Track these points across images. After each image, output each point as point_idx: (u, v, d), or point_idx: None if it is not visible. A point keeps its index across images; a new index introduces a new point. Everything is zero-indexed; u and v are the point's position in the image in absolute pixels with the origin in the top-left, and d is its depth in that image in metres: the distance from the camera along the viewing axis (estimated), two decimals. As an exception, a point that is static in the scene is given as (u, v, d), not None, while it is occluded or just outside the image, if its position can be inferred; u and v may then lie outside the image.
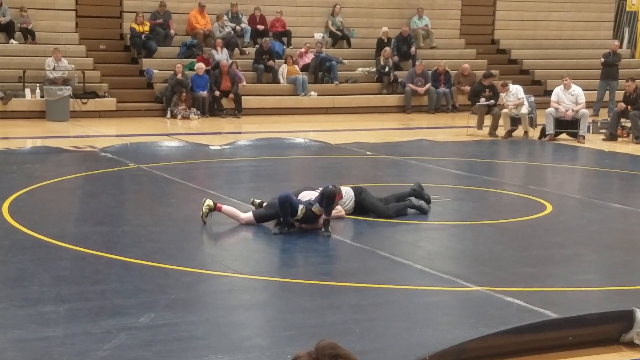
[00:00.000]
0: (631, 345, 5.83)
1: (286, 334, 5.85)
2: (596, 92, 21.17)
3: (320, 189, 8.90)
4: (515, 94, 17.21)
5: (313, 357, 2.46)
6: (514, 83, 18.05)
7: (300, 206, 8.71)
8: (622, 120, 17.11)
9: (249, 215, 9.03)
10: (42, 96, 18.40)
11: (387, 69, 21.76)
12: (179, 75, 19.15)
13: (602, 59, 21.33)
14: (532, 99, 17.62)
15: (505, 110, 17.13)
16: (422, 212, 9.74)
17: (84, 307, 6.24)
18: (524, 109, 17.08)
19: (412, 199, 9.85)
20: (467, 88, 19.91)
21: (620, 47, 25.62)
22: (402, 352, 5.43)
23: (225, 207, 9.08)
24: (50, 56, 18.95)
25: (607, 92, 21.16)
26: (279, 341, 5.75)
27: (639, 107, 16.85)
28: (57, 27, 20.58)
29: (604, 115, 20.06)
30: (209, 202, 8.96)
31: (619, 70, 21.86)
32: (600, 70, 21.56)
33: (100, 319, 5.96)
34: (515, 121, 17.18)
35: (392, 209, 9.58)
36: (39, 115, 18.25)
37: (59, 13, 20.71)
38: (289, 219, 8.68)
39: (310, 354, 2.47)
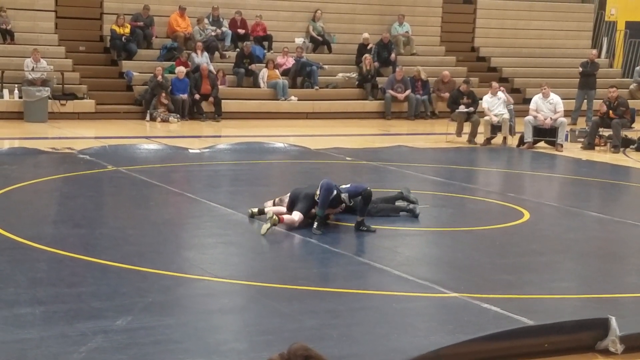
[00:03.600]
0: (606, 353, 5.87)
1: (263, 339, 5.84)
2: (574, 100, 21.30)
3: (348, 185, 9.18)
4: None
5: (285, 359, 2.46)
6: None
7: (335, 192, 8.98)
8: (600, 129, 17.23)
9: (300, 216, 9.01)
10: (20, 97, 18.28)
11: (369, 76, 21.80)
12: (159, 77, 19.10)
13: (580, 68, 21.48)
14: (512, 106, 17.70)
15: (486, 118, 17.16)
16: (414, 215, 9.80)
17: (60, 310, 6.20)
18: (510, 116, 17.14)
19: (401, 202, 9.93)
20: (447, 95, 19.98)
21: (599, 56, 25.84)
22: (379, 357, 5.44)
23: (285, 217, 8.99)
24: (29, 57, 18.84)
25: (585, 101, 21.29)
26: (256, 345, 5.74)
27: (621, 115, 16.98)
28: (37, 28, 20.47)
29: (582, 124, 20.20)
30: (275, 217, 8.78)
31: (598, 79, 22.02)
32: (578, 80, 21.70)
33: (77, 321, 5.92)
34: (494, 128, 17.26)
35: (379, 209, 9.64)
36: (17, 116, 18.13)
37: (38, 14, 20.59)
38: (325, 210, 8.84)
39: (282, 356, 2.48)
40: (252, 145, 15.54)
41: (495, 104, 17.27)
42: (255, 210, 9.43)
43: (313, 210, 9.10)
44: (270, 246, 8.72)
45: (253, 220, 9.33)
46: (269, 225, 8.72)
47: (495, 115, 17.09)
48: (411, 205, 9.94)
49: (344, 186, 9.22)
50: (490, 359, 5.64)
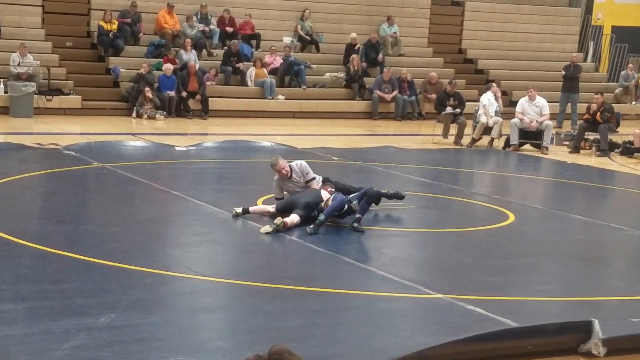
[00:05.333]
0: (589, 355, 5.89)
1: (247, 337, 5.84)
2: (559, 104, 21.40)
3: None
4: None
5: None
6: (480, 93, 18.18)
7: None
8: (586, 133, 17.31)
9: (299, 219, 9.02)
10: (6, 92, 18.20)
11: (357, 76, 21.82)
12: (143, 71, 19.00)
13: (563, 72, 21.58)
14: (498, 108, 17.76)
15: (483, 120, 17.10)
16: (399, 198, 10.09)
17: (44, 306, 6.17)
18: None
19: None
20: (434, 96, 20.03)
21: (585, 60, 25.98)
22: (363, 357, 5.45)
23: (288, 221, 8.96)
24: (16, 51, 18.75)
25: (569, 104, 21.38)
26: (240, 344, 5.73)
27: (607, 120, 17.07)
28: (23, 23, 20.37)
29: (567, 127, 20.29)
30: (280, 221, 8.82)
31: (583, 83, 22.12)
32: (562, 83, 21.81)
33: (60, 318, 5.90)
34: (485, 130, 17.27)
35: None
36: (3, 111, 18.05)
37: (25, 8, 20.49)
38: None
39: (260, 357, 2.46)
40: (239, 143, 15.52)
41: (493, 104, 17.32)
42: (239, 210, 9.41)
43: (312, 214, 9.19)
44: (256, 245, 8.71)
45: (237, 219, 9.32)
46: (271, 229, 8.73)
47: (491, 117, 17.13)
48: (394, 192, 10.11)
49: (352, 196, 9.31)
50: (474, 360, 5.65)
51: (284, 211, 9.27)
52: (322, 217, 8.92)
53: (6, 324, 5.75)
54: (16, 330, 5.66)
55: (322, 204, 9.24)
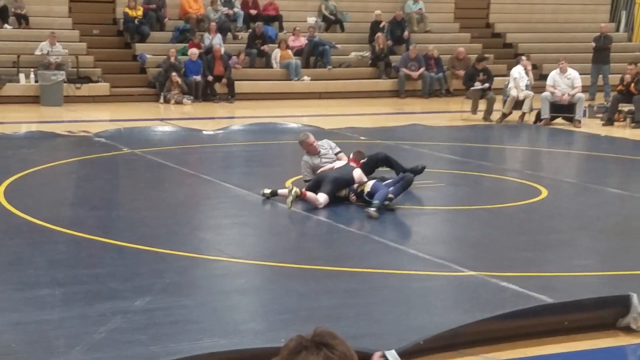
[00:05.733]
0: (627, 330, 5.83)
1: (280, 318, 5.85)
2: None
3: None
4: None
5: (303, 341, 2.44)
6: (509, 67, 18.00)
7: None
8: (620, 104, 17.06)
9: (326, 198, 9.06)
10: (36, 81, 18.32)
11: (382, 54, 21.71)
12: (172, 59, 19.06)
13: (594, 43, 21.30)
14: (529, 82, 17.58)
15: (513, 93, 16.97)
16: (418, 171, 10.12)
17: (79, 291, 6.23)
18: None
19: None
20: (462, 72, 19.88)
21: (617, 30, 25.60)
22: (397, 336, 5.42)
23: (308, 194, 9.07)
24: (44, 41, 18.84)
25: (601, 76, 21.12)
26: (273, 325, 5.74)
27: None
28: (51, 12, 20.46)
29: (599, 99, 20.04)
30: (296, 190, 8.91)
31: (616, 53, 21.80)
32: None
33: (96, 302, 5.94)
34: (516, 104, 17.12)
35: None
36: (33, 100, 18.16)
37: (52, -3, 20.60)
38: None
39: (302, 338, 2.44)
40: (266, 125, 15.51)
41: (524, 78, 17.18)
42: (268, 191, 9.39)
43: (343, 193, 9.18)
44: (286, 226, 8.71)
45: (267, 201, 9.31)
46: (291, 198, 8.74)
47: (522, 91, 16.98)
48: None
49: (384, 182, 9.32)
50: (509, 337, 5.61)
51: (313, 190, 9.24)
52: (375, 202, 8.80)
53: (43, 309, 5.81)
54: (53, 315, 5.72)
55: (356, 186, 9.19)
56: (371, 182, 9.22)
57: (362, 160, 9.86)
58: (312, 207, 8.99)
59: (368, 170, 9.93)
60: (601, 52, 21.12)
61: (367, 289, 6.52)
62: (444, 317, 5.86)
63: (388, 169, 10.32)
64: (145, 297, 6.04)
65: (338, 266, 7.10)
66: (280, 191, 9.39)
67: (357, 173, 9.40)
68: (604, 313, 5.88)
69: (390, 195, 8.96)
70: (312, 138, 9.86)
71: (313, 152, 9.79)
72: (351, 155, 9.87)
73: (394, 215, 8.94)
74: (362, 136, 14.53)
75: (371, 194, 9.00)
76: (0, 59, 18.69)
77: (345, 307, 6.02)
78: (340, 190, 9.24)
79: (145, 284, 6.38)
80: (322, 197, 9.05)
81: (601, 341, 5.73)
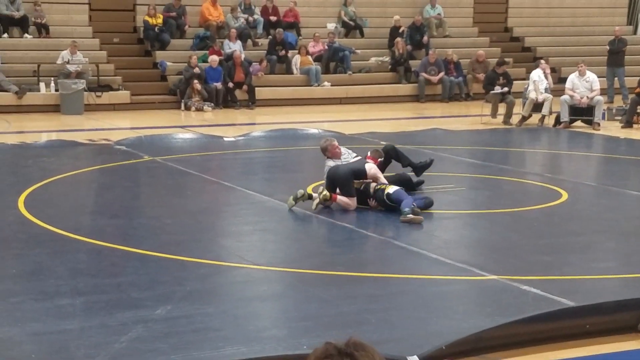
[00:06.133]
0: (649, 332, 5.80)
1: (302, 325, 5.85)
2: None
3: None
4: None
5: (329, 348, 2.45)
6: (527, 71, 17.95)
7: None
8: (639, 107, 16.97)
9: (354, 200, 9.15)
10: (56, 90, 18.45)
11: (402, 59, 21.71)
12: (196, 69, 19.14)
13: (608, 47, 21.28)
14: (548, 85, 17.51)
15: (532, 96, 16.94)
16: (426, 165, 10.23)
17: (100, 300, 6.25)
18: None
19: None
20: (482, 75, 19.83)
21: (635, 33, 25.49)
22: (419, 341, 5.42)
23: (339, 197, 9.13)
24: (64, 50, 18.99)
25: (616, 78, 21.06)
26: (295, 332, 5.75)
27: None
28: (71, 21, 20.62)
29: (618, 102, 19.95)
30: (326, 193, 8.98)
31: (634, 56, 21.69)
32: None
33: (117, 311, 5.97)
34: (534, 107, 17.06)
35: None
36: (54, 109, 18.29)
37: (72, 7, 20.74)
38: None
39: (332, 345, 2.46)
40: (287, 132, 15.54)
41: (543, 81, 17.14)
42: (302, 194, 9.23)
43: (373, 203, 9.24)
44: (307, 233, 8.73)
45: (288, 207, 9.29)
46: (317, 200, 8.80)
47: (541, 93, 16.93)
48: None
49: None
50: (531, 341, 5.59)
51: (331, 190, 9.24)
52: (406, 209, 8.76)
53: (64, 319, 5.84)
54: (74, 325, 5.74)
55: (375, 185, 9.18)
56: (394, 187, 9.20)
57: (379, 159, 9.86)
58: (333, 212, 8.99)
59: (382, 165, 10.01)
60: (615, 55, 21.09)
61: (389, 294, 6.51)
62: (466, 321, 5.85)
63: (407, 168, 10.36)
64: (167, 306, 6.06)
65: (359, 272, 7.10)
66: (315, 195, 9.29)
67: (371, 167, 9.39)
68: (625, 316, 5.85)
69: (416, 209, 8.92)
70: (336, 142, 9.88)
71: (337, 157, 9.80)
72: (369, 154, 9.89)
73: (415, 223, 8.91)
74: (383, 141, 14.49)
75: (392, 199, 8.99)
76: (20, 68, 18.86)
77: (367, 313, 6.02)
78: (355, 179, 9.26)
79: (166, 292, 6.41)
80: (352, 201, 9.11)
81: (623, 344, 5.71)
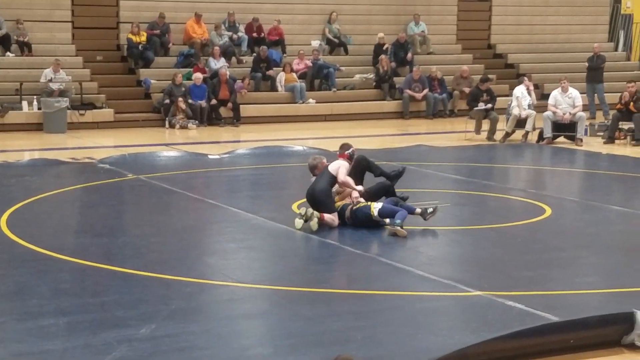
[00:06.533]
0: (632, 347, 5.82)
1: (288, 343, 5.84)
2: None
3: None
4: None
5: None
6: (511, 88, 18.05)
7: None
8: (621, 122, 17.10)
9: (336, 215, 9.23)
10: (39, 108, 18.39)
11: (386, 76, 21.79)
12: (182, 88, 19.12)
13: (587, 63, 21.46)
14: (531, 102, 17.60)
15: (515, 112, 17.03)
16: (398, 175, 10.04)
17: (84, 320, 6.22)
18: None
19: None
20: (467, 89, 19.94)
21: (616, 49, 25.72)
22: (405, 358, 5.43)
23: (326, 216, 9.14)
24: (47, 68, 18.93)
25: (596, 95, 21.22)
26: (280, 350, 5.73)
27: None
28: (54, 39, 20.58)
29: (600, 118, 20.10)
30: (316, 216, 8.97)
31: (615, 72, 21.85)
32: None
33: (101, 331, 5.94)
34: (518, 123, 17.14)
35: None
36: (37, 127, 18.23)
37: (55, 25, 20.70)
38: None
39: None
40: (272, 149, 15.55)
41: (526, 97, 17.25)
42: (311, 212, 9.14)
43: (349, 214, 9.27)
44: (292, 250, 8.72)
45: (270, 225, 9.28)
46: (308, 221, 8.88)
47: (524, 109, 17.02)
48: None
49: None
50: (517, 357, 5.61)
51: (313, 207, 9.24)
52: (397, 221, 8.87)
53: (47, 339, 5.80)
54: (58, 345, 5.70)
55: (353, 205, 9.23)
56: (379, 204, 9.22)
57: (348, 152, 9.73)
58: (318, 229, 8.99)
59: (358, 176, 9.92)
60: (594, 72, 21.28)
61: (374, 311, 6.51)
62: (452, 337, 5.86)
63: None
64: (151, 325, 6.04)
65: (344, 289, 7.11)
66: (326, 216, 9.19)
67: (340, 173, 9.33)
68: (608, 330, 5.88)
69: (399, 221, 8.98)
70: (325, 160, 9.86)
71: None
72: (338, 152, 9.81)
73: (399, 236, 8.93)
74: (369, 158, 14.50)
75: (385, 214, 9.04)
76: (2, 86, 18.79)
77: (353, 330, 6.01)
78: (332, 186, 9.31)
79: (151, 311, 6.38)
80: (335, 216, 9.19)
81: (607, 359, 5.73)
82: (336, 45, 22.90)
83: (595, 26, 26.26)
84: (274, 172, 13.85)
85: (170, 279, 7.28)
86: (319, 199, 9.17)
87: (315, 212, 9.01)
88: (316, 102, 21.02)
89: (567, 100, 16.99)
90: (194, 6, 21.59)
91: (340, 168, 9.39)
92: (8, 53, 19.76)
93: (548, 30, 25.58)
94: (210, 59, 20.58)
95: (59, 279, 7.32)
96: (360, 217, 9.20)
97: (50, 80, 18.77)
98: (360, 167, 10.14)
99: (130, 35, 20.52)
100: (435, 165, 13.85)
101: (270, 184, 12.74)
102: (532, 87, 18.02)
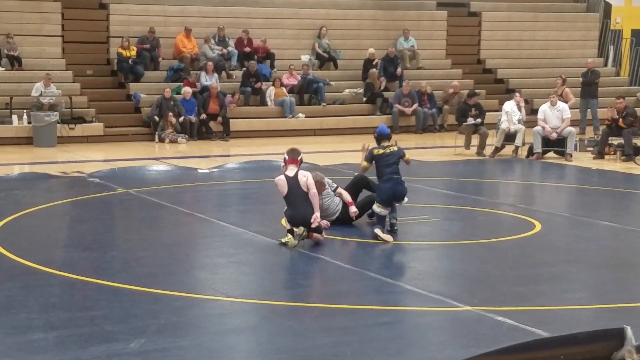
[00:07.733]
0: (622, 363, 5.82)
1: (277, 358, 5.82)
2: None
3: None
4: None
5: None
6: (500, 103, 18.14)
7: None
8: (610, 138, 17.19)
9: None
10: (29, 122, 18.37)
11: (376, 91, 21.84)
12: (171, 102, 19.13)
13: (581, 78, 21.56)
14: (521, 117, 17.69)
15: (504, 126, 17.11)
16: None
17: (74, 334, 6.19)
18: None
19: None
20: (456, 104, 20.01)
21: (605, 65, 25.86)
22: (394, 373, 5.41)
23: (314, 235, 9.15)
24: (38, 82, 18.92)
25: (589, 110, 21.31)
26: (270, 365, 5.72)
27: (630, 124, 16.96)
28: (44, 53, 20.58)
29: (590, 133, 20.18)
30: (305, 233, 8.98)
31: (605, 88, 21.95)
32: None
33: (90, 345, 5.92)
34: (507, 138, 17.22)
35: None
36: (27, 141, 18.20)
37: (45, 39, 20.71)
38: None
39: None
40: (261, 163, 15.55)
41: (516, 113, 17.33)
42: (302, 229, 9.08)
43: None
44: (282, 265, 8.71)
45: (259, 239, 9.28)
46: (296, 241, 8.86)
47: (514, 124, 17.10)
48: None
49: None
50: (506, 372, 5.60)
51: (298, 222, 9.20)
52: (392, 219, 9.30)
53: (37, 353, 5.77)
54: (46, 359, 5.67)
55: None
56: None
57: (299, 157, 9.53)
58: (307, 244, 9.00)
59: (353, 194, 10.32)
60: (588, 87, 21.37)
61: (364, 326, 6.50)
62: (441, 353, 5.86)
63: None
64: (141, 339, 6.02)
65: (334, 303, 7.09)
66: (315, 235, 9.19)
67: (302, 178, 9.25)
68: (598, 346, 5.87)
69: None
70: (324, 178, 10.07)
71: (322, 190, 9.88)
72: (289, 158, 9.53)
73: (388, 250, 8.94)
74: (357, 172, 14.52)
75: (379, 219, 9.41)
76: (-7, 101, 18.78)
77: (342, 345, 6.00)
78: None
79: (140, 325, 6.36)
80: (320, 234, 9.22)
81: (597, 375, 5.73)
82: (326, 60, 22.97)
83: (585, 42, 26.41)
84: (263, 186, 13.81)
85: (159, 293, 7.27)
86: (308, 220, 9.13)
87: (305, 233, 8.98)
88: (306, 117, 21.06)
89: (556, 113, 17.08)
90: (184, 21, 21.66)
91: (308, 180, 9.29)
92: (-2, 67, 19.76)
93: (537, 46, 25.71)
94: (202, 74, 20.59)
95: (48, 293, 7.29)
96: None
97: (41, 95, 18.76)
98: (359, 185, 10.55)
99: (120, 50, 20.54)
100: (425, 180, 13.87)
101: (260, 198, 12.73)
102: (522, 103, 18.11)
